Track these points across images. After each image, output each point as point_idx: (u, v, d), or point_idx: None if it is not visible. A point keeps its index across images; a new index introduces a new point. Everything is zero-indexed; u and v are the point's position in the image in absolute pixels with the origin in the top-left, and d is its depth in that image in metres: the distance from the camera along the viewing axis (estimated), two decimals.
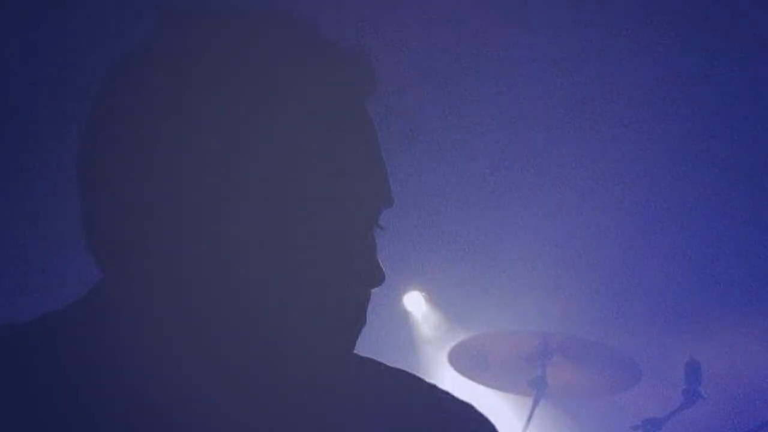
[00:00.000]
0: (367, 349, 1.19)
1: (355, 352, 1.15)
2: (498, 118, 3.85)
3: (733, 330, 4.27)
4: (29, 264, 3.83)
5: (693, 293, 4.34)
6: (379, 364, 1.22)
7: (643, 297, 4.37)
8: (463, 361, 3.76)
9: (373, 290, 1.13)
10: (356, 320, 1.12)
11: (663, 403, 3.40)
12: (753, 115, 3.81)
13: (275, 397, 1.10)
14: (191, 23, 1.11)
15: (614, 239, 4.18)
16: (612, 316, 4.33)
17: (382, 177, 1.14)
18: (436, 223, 4.22)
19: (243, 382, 1.09)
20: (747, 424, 3.30)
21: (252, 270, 1.06)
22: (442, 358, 3.90)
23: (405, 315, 4.59)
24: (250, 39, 1.10)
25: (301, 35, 1.12)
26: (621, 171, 4.01)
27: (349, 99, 1.13)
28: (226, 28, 1.11)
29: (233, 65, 1.08)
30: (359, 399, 1.16)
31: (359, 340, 1.13)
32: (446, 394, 1.21)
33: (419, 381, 1.22)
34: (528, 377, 3.60)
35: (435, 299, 4.56)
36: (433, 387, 1.22)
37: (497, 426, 1.21)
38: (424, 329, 4.60)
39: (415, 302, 4.58)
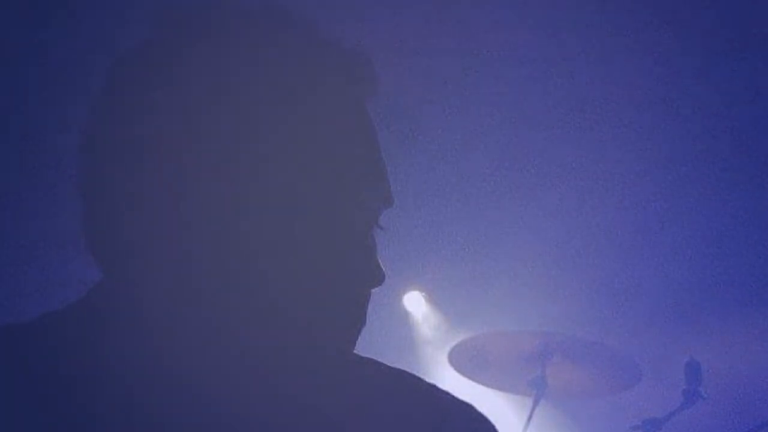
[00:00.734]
0: (367, 349, 1.19)
1: (355, 352, 1.15)
2: (498, 117, 3.85)
3: (733, 330, 4.27)
4: (29, 264, 3.82)
5: (693, 293, 4.34)
6: (379, 364, 1.22)
7: (643, 297, 4.37)
8: (463, 361, 3.76)
9: (373, 290, 1.13)
10: (356, 320, 1.12)
11: (663, 403, 3.39)
12: (753, 114, 3.81)
13: (276, 397, 1.10)
14: (191, 23, 1.11)
15: (614, 239, 4.18)
16: (612, 316, 4.33)
17: (382, 177, 1.14)
18: (436, 223, 4.22)
19: (243, 381, 1.09)
20: (747, 424, 3.30)
21: (251, 270, 1.06)
22: (442, 358, 3.90)
23: (405, 315, 4.59)
24: (250, 39, 1.10)
25: (302, 35, 1.12)
26: (621, 171, 4.01)
27: (349, 99, 1.13)
28: (227, 28, 1.11)
29: (233, 66, 1.08)
30: (359, 399, 1.16)
31: (359, 340, 1.13)
32: (446, 394, 1.21)
33: (419, 381, 1.22)
34: (528, 377, 3.60)
35: (435, 299, 4.56)
36: (433, 387, 1.22)
37: (497, 426, 1.20)
38: (424, 329, 4.60)
39: (415, 302, 4.58)
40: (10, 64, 3.38)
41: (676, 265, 4.27)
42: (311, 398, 1.12)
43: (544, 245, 4.21)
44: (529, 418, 3.54)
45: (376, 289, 1.13)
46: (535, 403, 3.55)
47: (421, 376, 1.22)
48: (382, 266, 1.13)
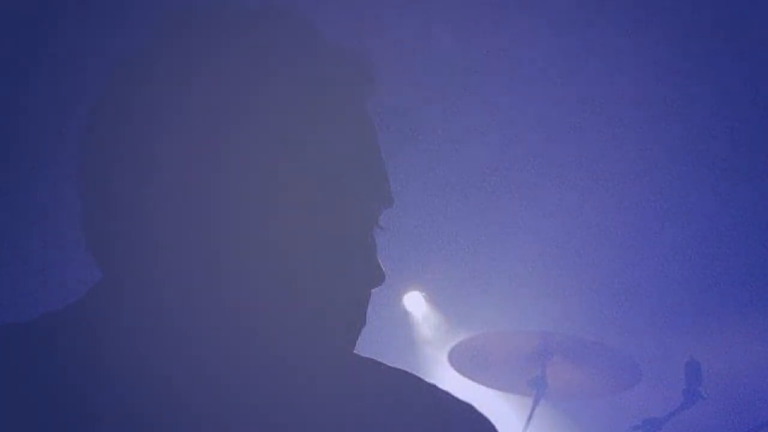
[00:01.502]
0: (367, 349, 1.19)
1: (355, 352, 1.15)
2: (498, 117, 3.85)
3: (733, 330, 4.27)
4: (29, 264, 3.82)
5: (693, 293, 4.34)
6: (379, 364, 1.22)
7: (643, 297, 4.37)
8: (463, 361, 3.76)
9: (373, 290, 1.13)
10: (356, 320, 1.12)
11: (663, 403, 3.39)
12: (753, 115, 3.81)
13: (276, 397, 1.10)
14: (190, 24, 1.11)
15: (614, 239, 4.18)
16: (612, 316, 4.32)
17: (382, 177, 1.15)
18: (436, 223, 4.22)
19: (243, 382, 1.09)
20: (747, 424, 3.30)
21: (251, 270, 1.06)
22: (442, 358, 3.90)
23: (405, 315, 4.59)
24: (249, 40, 1.10)
25: (301, 36, 1.12)
26: (621, 171, 4.01)
27: (349, 99, 1.13)
28: (226, 29, 1.11)
29: (232, 67, 1.08)
30: (359, 399, 1.16)
31: (359, 340, 1.13)
32: (446, 394, 1.21)
33: (419, 381, 1.22)
34: (528, 377, 3.60)
35: (435, 299, 4.56)
36: (433, 387, 1.22)
37: (497, 426, 1.20)
38: (424, 329, 4.60)
39: (415, 302, 4.57)
40: (11, 64, 3.38)
41: (676, 265, 4.27)
42: (311, 398, 1.12)
43: (544, 245, 4.21)
44: (529, 418, 3.54)
45: (376, 289, 1.13)
46: (535, 403, 3.55)
47: (421, 376, 1.22)
48: (382, 266, 1.13)
